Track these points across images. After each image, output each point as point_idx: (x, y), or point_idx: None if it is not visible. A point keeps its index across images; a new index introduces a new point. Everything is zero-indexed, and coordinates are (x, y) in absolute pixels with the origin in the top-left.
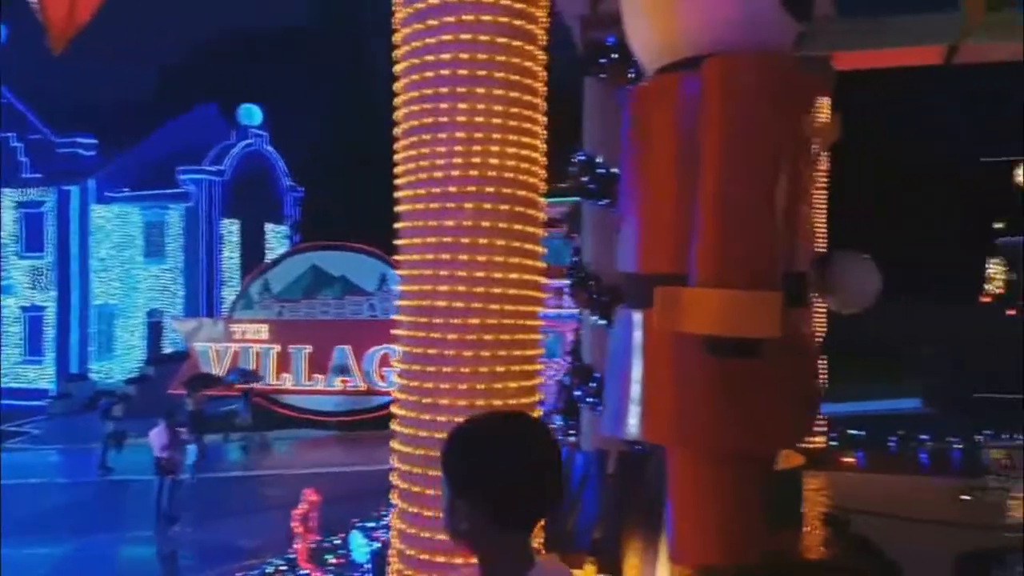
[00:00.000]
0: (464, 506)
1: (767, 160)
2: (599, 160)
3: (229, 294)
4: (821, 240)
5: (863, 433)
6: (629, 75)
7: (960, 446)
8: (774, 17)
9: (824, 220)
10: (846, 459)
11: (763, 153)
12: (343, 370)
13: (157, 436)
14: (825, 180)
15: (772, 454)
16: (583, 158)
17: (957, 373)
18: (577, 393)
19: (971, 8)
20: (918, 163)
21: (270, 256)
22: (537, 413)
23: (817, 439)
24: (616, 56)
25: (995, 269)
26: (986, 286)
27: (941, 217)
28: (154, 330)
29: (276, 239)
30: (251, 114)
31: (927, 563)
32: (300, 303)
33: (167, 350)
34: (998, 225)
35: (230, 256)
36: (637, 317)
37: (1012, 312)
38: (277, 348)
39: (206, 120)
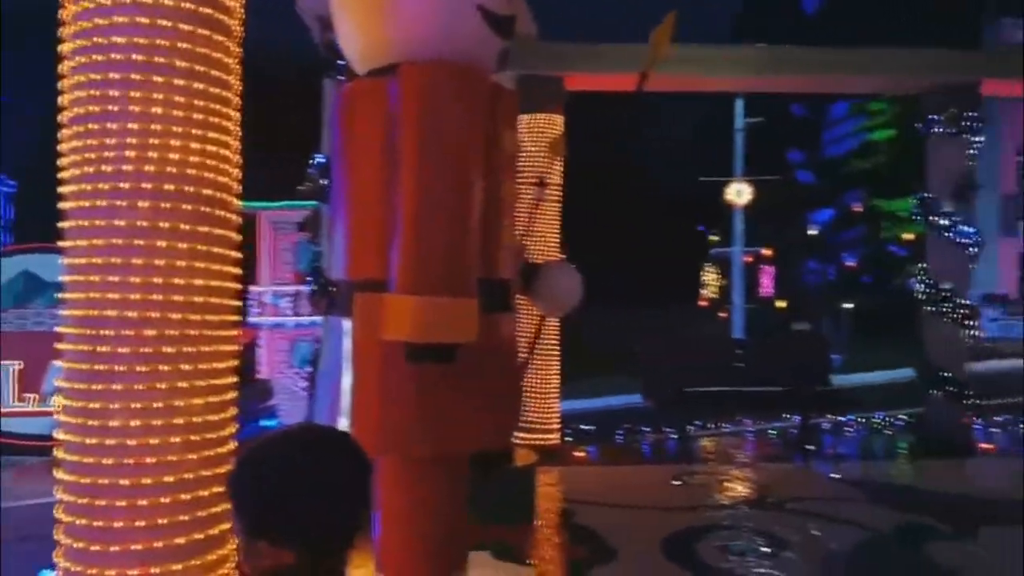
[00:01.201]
0: (265, 545)
1: (462, 170)
2: None
3: None
4: (554, 250)
5: (594, 428)
6: None
7: (675, 436)
8: (477, 32)
9: (557, 231)
10: (579, 453)
11: (457, 163)
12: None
13: None
14: (559, 194)
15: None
16: (322, 161)
17: (671, 370)
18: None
19: (657, 41)
20: (647, 181)
21: None
22: (231, 430)
23: (552, 436)
24: None
25: (710, 276)
26: (702, 291)
27: (666, 230)
28: None
29: None
30: None
31: (642, 544)
32: (9, 312)
33: None
34: (713, 238)
35: None
36: (347, 325)
37: (723, 315)
38: None
39: None
